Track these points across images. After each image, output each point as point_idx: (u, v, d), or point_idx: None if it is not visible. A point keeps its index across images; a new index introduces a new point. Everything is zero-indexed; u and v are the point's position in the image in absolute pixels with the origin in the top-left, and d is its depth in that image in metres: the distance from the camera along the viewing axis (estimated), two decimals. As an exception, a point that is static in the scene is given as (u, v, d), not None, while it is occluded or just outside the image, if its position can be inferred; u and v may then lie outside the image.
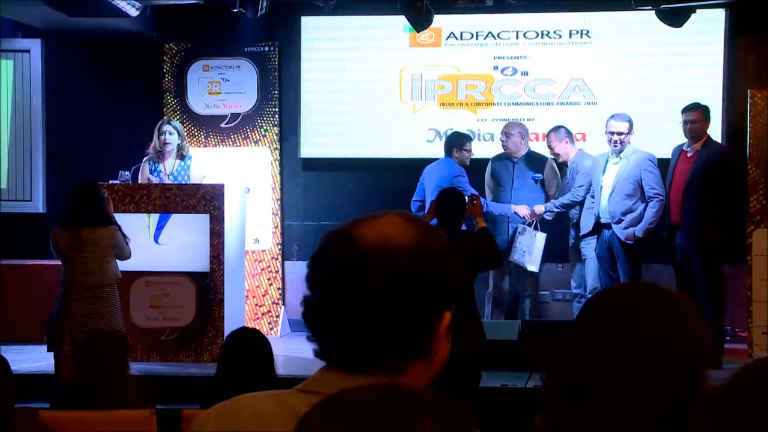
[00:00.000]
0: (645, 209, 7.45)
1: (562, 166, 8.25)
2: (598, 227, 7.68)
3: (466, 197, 6.11)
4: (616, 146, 7.58)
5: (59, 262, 6.42)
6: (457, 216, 5.78)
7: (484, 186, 8.37)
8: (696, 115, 7.37)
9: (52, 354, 6.29)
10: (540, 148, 8.58)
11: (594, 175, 7.75)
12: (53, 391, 5.99)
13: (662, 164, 7.66)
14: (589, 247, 7.86)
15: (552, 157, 8.22)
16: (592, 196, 7.77)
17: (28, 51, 9.71)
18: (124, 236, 6.45)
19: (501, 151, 8.52)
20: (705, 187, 7.18)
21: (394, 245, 1.42)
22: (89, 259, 6.26)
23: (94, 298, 6.25)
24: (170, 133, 7.84)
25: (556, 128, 8.21)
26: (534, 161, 8.26)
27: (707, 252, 7.21)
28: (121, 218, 6.76)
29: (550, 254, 8.22)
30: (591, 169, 7.81)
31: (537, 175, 8.20)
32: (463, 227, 6.05)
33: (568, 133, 8.16)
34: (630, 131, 7.60)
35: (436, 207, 5.89)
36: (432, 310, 1.45)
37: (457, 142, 8.35)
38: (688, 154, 7.36)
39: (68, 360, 6.17)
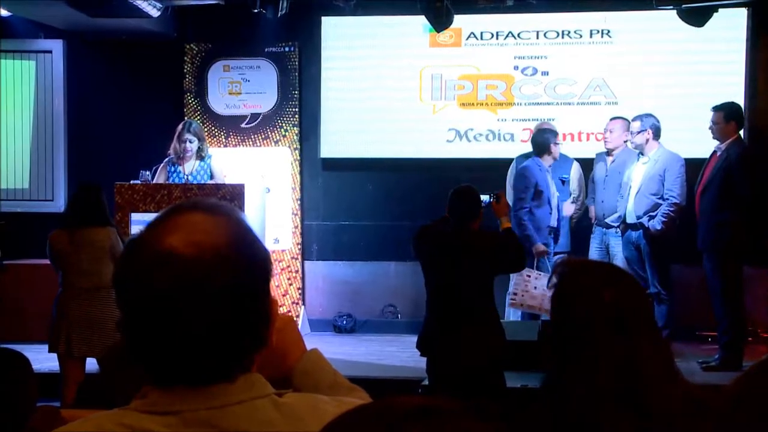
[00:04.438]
0: None
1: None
2: (624, 228, 7.67)
3: (489, 195, 5.90)
4: (633, 145, 7.73)
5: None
6: (470, 216, 5.51)
7: (506, 186, 8.35)
8: (715, 117, 7.32)
9: (54, 354, 6.28)
10: (562, 148, 8.56)
11: (623, 174, 7.79)
12: (61, 391, 6.04)
13: (686, 163, 7.64)
14: (593, 245, 8.01)
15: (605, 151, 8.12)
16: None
17: (50, 52, 9.78)
18: (123, 240, 6.39)
19: (521, 151, 8.51)
20: (720, 188, 7.14)
21: (211, 252, 1.32)
22: (86, 261, 6.20)
23: (94, 300, 6.22)
24: (190, 141, 7.82)
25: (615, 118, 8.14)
26: (561, 161, 8.23)
27: (718, 252, 7.16)
28: (141, 218, 6.76)
29: (575, 253, 8.24)
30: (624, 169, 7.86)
31: (564, 175, 8.18)
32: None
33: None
34: (639, 131, 7.59)
35: (449, 207, 5.61)
36: (263, 299, 1.39)
37: (552, 138, 8.03)
38: (717, 154, 7.32)
39: (70, 360, 6.20)
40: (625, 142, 7.90)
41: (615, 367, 1.87)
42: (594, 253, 7.98)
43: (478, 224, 5.56)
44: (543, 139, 8.00)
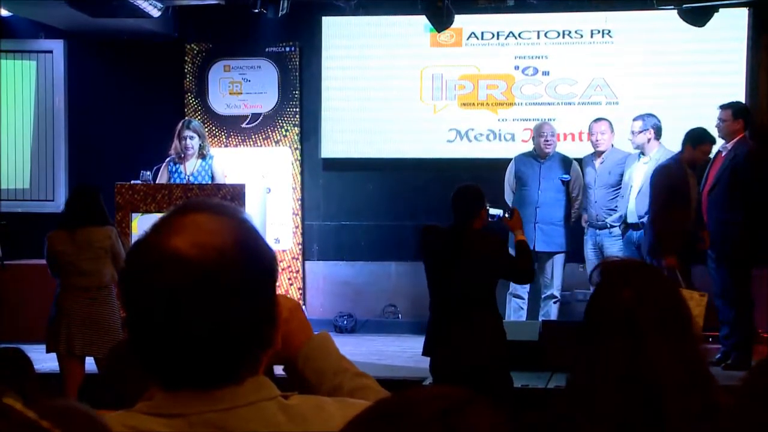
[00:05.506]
0: None
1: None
2: (625, 227, 7.67)
3: (502, 210, 5.75)
4: (634, 145, 7.77)
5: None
6: (471, 214, 5.45)
7: (505, 185, 8.32)
8: (723, 114, 7.31)
9: (54, 354, 6.25)
10: (563, 148, 8.56)
11: (613, 174, 7.83)
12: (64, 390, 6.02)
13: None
14: (587, 246, 8.01)
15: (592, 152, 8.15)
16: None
17: (51, 52, 9.78)
18: (123, 242, 6.36)
19: (521, 151, 8.49)
20: (727, 187, 7.13)
21: (215, 253, 1.32)
22: (86, 261, 6.17)
23: (93, 300, 6.20)
24: (191, 138, 7.76)
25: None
26: (562, 162, 8.21)
27: (725, 251, 7.15)
28: (142, 219, 6.75)
29: (572, 254, 8.23)
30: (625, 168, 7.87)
31: (565, 176, 8.14)
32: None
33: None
34: (641, 131, 7.62)
35: (451, 205, 5.55)
36: (268, 300, 1.38)
37: (699, 137, 7.27)
38: (722, 154, 7.30)
39: (70, 360, 6.18)
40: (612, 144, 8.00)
41: (619, 370, 1.82)
42: (589, 253, 7.98)
43: (480, 223, 5.50)
44: (695, 136, 7.22)
